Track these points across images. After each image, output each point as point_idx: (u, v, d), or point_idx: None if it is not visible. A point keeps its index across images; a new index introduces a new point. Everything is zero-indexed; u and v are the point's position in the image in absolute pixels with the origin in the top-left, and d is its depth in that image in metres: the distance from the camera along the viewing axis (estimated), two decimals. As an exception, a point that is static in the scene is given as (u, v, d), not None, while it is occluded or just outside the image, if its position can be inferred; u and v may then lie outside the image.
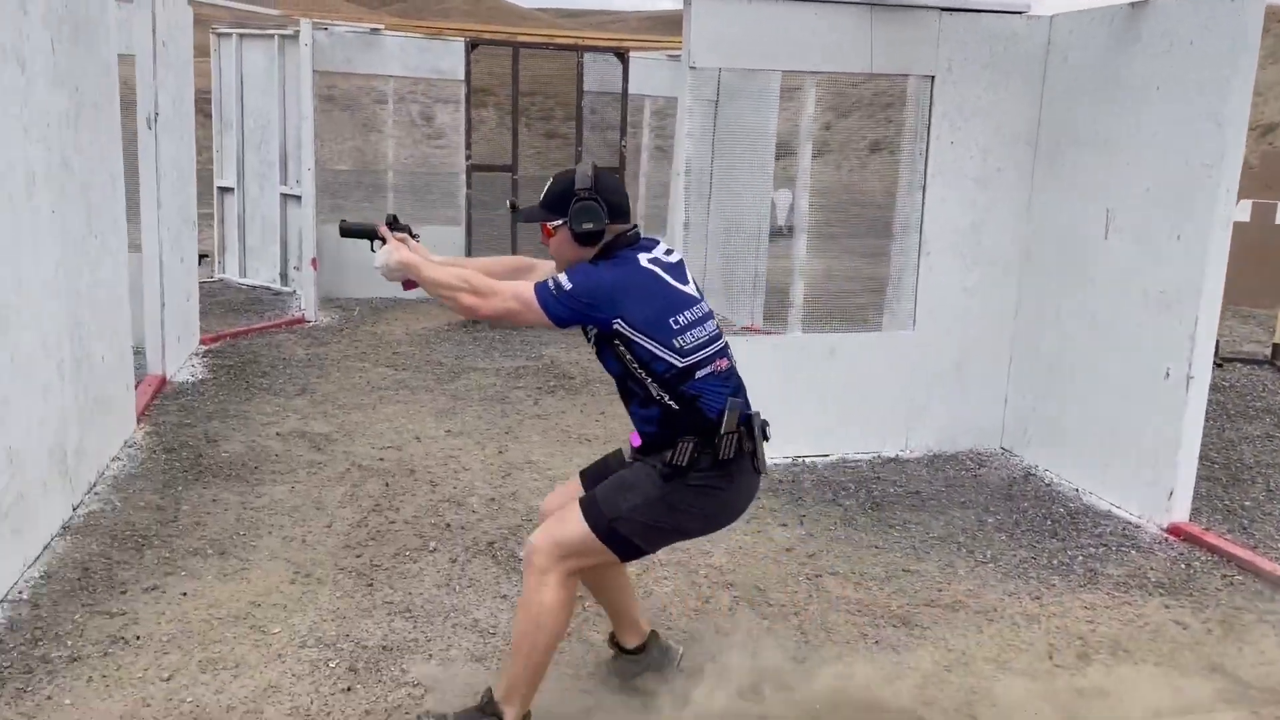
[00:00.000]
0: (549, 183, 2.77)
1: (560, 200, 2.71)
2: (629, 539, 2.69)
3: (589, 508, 2.69)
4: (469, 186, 8.38)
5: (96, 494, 4.43)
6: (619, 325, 2.59)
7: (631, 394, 2.71)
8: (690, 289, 2.74)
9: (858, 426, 5.46)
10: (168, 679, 3.06)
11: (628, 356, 2.63)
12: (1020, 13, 5.24)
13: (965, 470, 5.31)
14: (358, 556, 4.00)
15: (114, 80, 4.92)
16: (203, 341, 7.28)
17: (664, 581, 3.91)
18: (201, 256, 8.49)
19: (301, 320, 8.20)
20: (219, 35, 9.31)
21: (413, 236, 2.94)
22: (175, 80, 6.31)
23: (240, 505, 4.43)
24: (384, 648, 3.34)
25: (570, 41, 8.37)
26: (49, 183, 3.89)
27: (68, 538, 3.99)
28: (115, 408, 4.90)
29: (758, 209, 7.73)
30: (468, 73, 8.17)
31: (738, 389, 2.78)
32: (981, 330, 5.52)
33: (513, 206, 2.91)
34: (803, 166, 5.27)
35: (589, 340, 2.70)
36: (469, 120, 8.22)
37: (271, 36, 8.91)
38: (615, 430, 5.83)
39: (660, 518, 2.69)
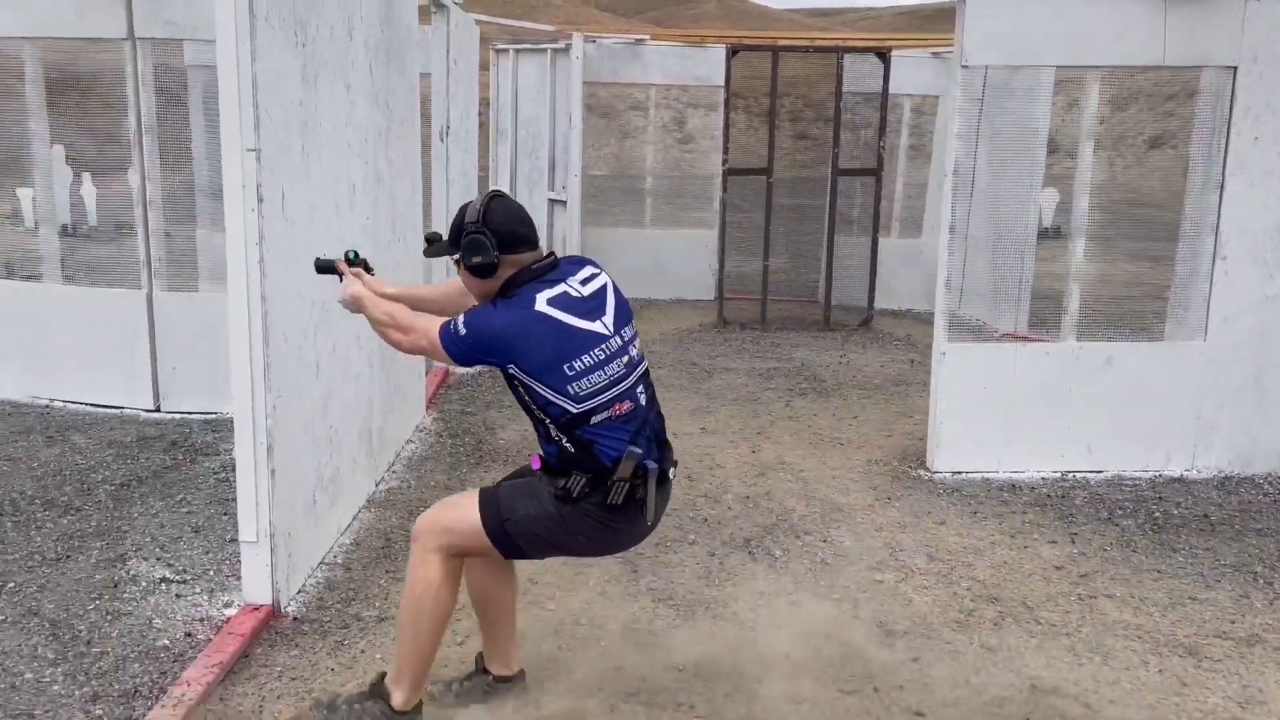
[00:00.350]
0: (454, 216, 2.73)
1: (457, 235, 2.64)
2: (514, 541, 2.69)
3: (487, 502, 2.70)
4: (724, 190, 8.53)
5: (394, 472, 4.91)
6: (513, 370, 2.57)
7: (535, 427, 2.69)
8: (599, 325, 2.61)
9: (1136, 442, 5.12)
10: (460, 644, 3.36)
11: (526, 398, 2.62)
12: (1344, -8, 4.74)
13: (1263, 495, 4.86)
14: (623, 544, 4.21)
15: (416, 97, 5.43)
16: (478, 337, 7.86)
17: (924, 591, 3.86)
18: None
19: (565, 318, 8.65)
20: (497, 51, 9.99)
21: (368, 271, 2.94)
22: (464, 95, 6.86)
23: (516, 490, 4.77)
24: (649, 631, 3.51)
25: (831, 43, 8.34)
26: (365, 193, 4.36)
27: (372, 510, 4.45)
28: (410, 396, 5.40)
29: (1025, 210, 7.39)
30: (728, 78, 8.33)
31: (639, 432, 2.67)
32: (1285, 342, 5.03)
33: (429, 240, 2.84)
34: (1082, 165, 5.01)
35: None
36: (727, 125, 8.37)
37: (544, 50, 9.46)
38: (868, 434, 5.78)
39: (550, 532, 2.67)
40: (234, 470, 3.49)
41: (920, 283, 9.48)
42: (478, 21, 7.41)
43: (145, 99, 5.42)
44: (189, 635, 3.35)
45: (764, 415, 6.12)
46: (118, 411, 5.55)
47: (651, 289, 9.75)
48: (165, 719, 2.85)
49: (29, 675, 3.10)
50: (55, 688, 3.04)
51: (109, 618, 3.44)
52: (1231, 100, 4.85)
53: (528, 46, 9.70)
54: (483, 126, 10.26)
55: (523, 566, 3.92)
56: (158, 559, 3.88)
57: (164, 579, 3.72)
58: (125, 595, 3.59)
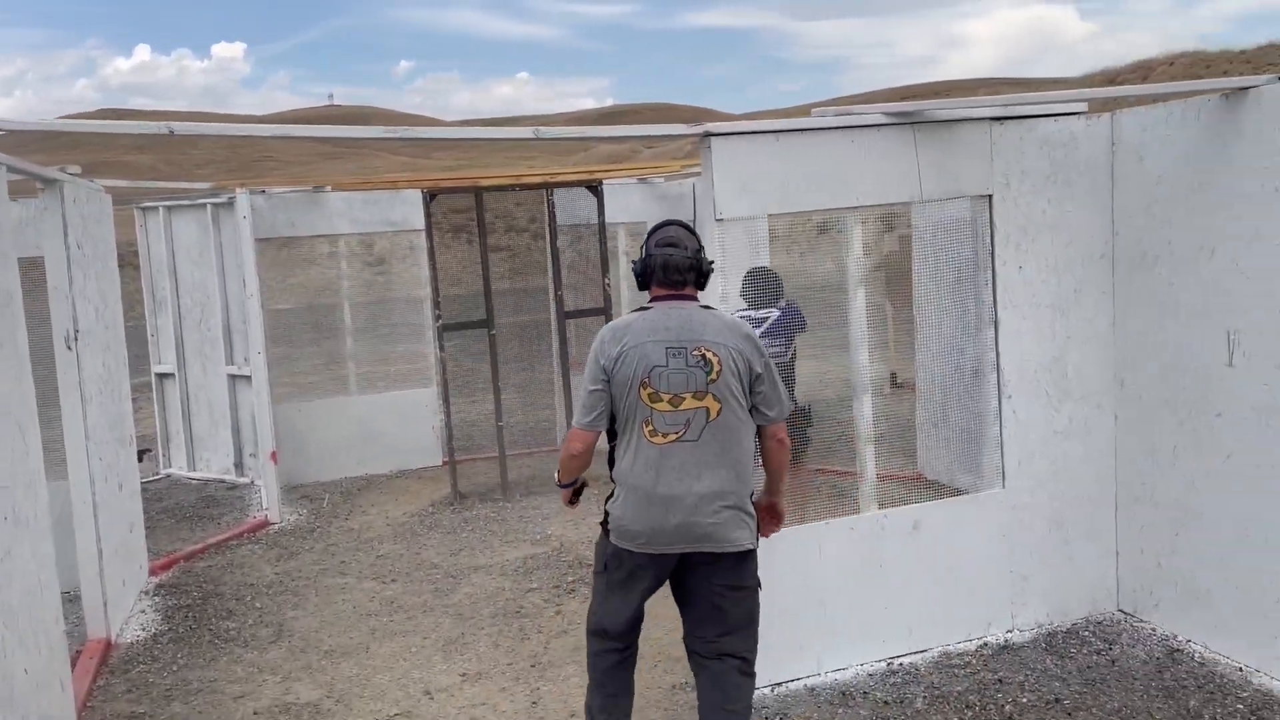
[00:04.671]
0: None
1: None
2: None
3: None
4: (441, 348, 7.48)
5: None
6: None
7: None
8: None
9: (955, 610, 4.58)
10: None
11: None
12: (1079, 114, 4.56)
13: (1097, 654, 4.41)
14: None
15: (16, 309, 3.98)
16: (152, 571, 6.22)
17: None
18: (142, 453, 7.46)
19: (265, 524, 7.15)
20: (144, 210, 8.43)
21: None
22: (96, 283, 5.39)
23: None
24: None
25: (538, 179, 7.61)
26: (-71, 481, 2.91)
27: None
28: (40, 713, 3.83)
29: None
30: (428, 224, 7.36)
31: None
32: (1081, 477, 4.71)
33: None
34: (856, 316, 4.47)
35: None
36: (435, 277, 7.36)
37: (203, 206, 8.05)
38: (663, 640, 4.85)
39: None
40: None
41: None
42: (108, 189, 5.96)
43: None
44: None
45: (534, 635, 5.04)
46: None
47: (368, 464, 8.45)
48: None
49: None
50: None
51: None
52: (992, 229, 4.52)
53: (183, 202, 8.23)
54: (136, 267, 8.52)
55: None
56: None
57: None
58: None
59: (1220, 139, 4.06)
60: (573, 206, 8.28)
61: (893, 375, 9.96)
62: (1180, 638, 4.45)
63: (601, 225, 7.72)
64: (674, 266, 3.31)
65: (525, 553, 6.27)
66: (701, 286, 3.40)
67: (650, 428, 3.21)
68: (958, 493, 4.77)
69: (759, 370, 3.27)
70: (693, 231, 3.44)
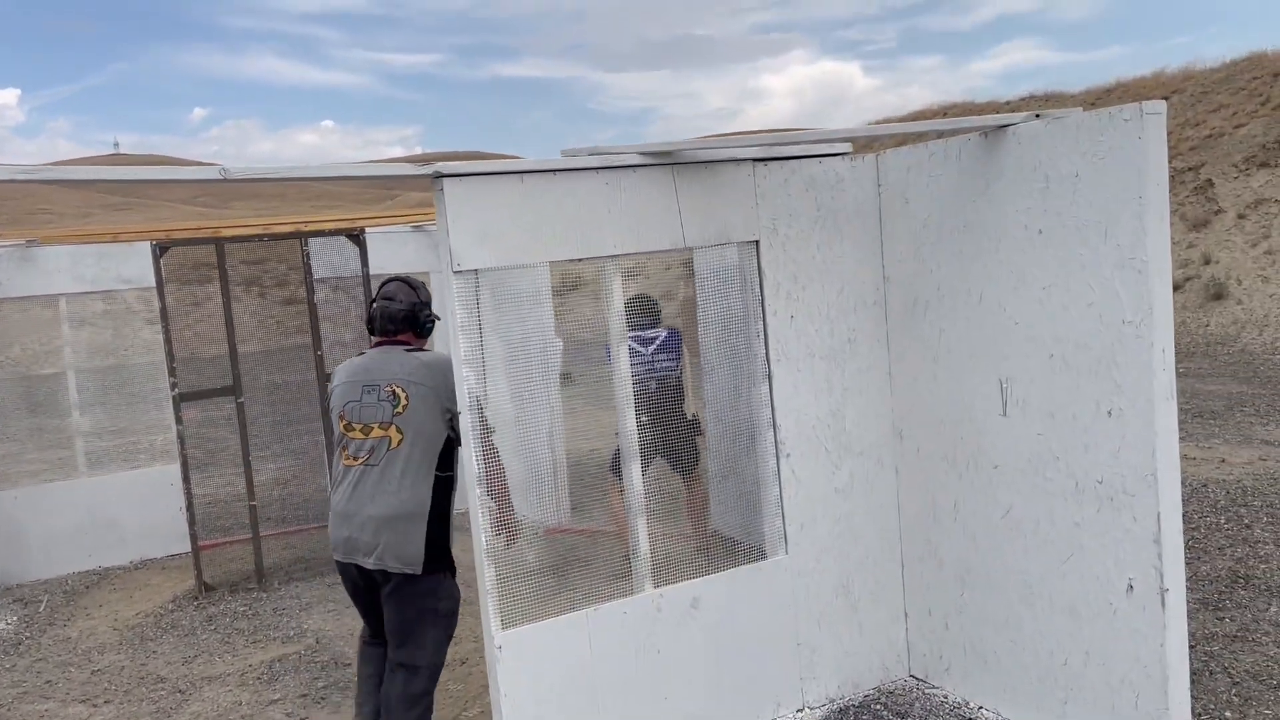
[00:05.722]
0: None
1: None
2: None
3: None
4: (179, 420, 6.58)
5: None
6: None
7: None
8: None
9: (742, 692, 4.18)
10: None
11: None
12: (844, 155, 4.33)
13: (888, 731, 4.10)
14: None
15: None
16: None
17: None
18: None
19: (-42, 639, 6.02)
20: None
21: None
22: None
23: None
24: None
25: (290, 228, 6.89)
26: None
27: None
28: None
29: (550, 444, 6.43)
30: (159, 279, 6.49)
31: None
32: (866, 536, 4.43)
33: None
34: (620, 377, 4.02)
35: None
36: (169, 340, 6.49)
37: (-117, 264, 6.86)
38: None
39: None
40: None
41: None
42: None
43: None
44: None
45: (267, 762, 4.29)
46: None
47: (101, 555, 7.38)
48: None
49: None
50: None
51: None
52: (761, 278, 4.20)
53: None
54: None
55: None
56: None
57: None
58: None
59: (982, 179, 3.89)
60: (342, 258, 7.61)
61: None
62: (973, 704, 4.20)
63: (366, 277, 7.07)
64: (388, 316, 3.89)
65: (274, 654, 5.46)
66: (420, 334, 3.94)
67: (346, 452, 3.74)
68: (749, 552, 4.40)
69: (447, 405, 3.71)
70: (414, 287, 3.98)
